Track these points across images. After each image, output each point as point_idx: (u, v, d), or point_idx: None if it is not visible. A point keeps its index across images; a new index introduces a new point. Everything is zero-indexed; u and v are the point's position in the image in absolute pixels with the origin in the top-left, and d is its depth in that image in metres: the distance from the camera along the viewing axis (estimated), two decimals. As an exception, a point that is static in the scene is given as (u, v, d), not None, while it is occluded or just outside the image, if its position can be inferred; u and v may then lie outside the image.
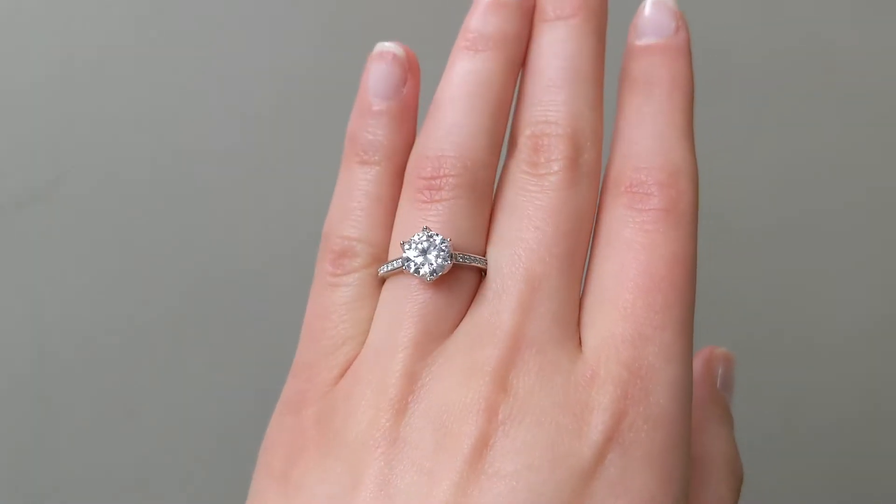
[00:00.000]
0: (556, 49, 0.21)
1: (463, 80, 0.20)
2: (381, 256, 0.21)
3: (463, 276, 0.19)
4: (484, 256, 0.20)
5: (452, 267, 0.19)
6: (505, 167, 0.21)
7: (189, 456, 0.44)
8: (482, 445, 0.17)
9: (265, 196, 0.43)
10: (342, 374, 0.20)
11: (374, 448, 0.18)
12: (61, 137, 0.42)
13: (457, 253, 0.19)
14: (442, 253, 0.19)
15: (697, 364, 0.23)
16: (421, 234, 0.19)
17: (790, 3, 0.45)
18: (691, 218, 0.19)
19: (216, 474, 0.44)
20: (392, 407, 0.18)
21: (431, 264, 0.19)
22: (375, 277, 0.20)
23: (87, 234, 0.42)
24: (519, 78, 0.22)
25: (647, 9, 0.22)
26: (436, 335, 0.19)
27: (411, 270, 0.19)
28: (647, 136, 0.20)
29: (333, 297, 0.20)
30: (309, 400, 0.20)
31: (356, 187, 0.21)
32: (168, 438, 0.43)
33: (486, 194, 0.20)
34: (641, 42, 0.21)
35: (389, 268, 0.20)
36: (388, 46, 0.22)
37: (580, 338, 0.19)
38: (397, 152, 0.21)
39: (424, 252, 0.19)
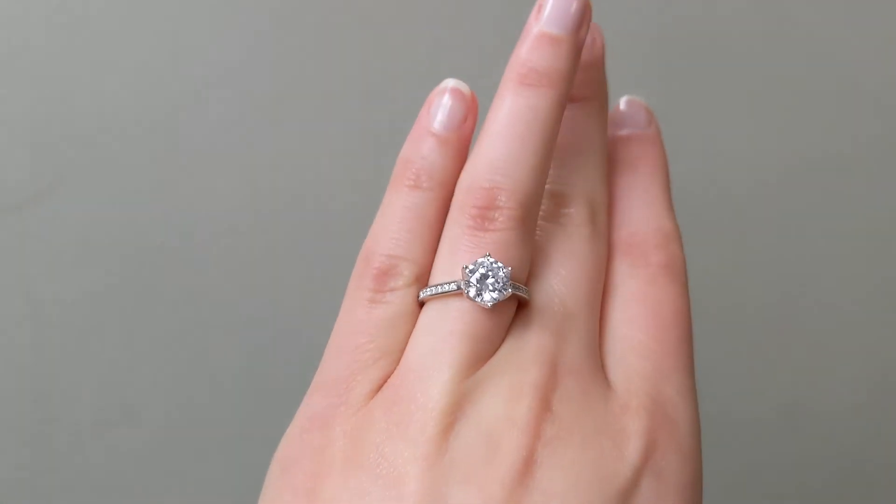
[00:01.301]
0: (574, 124, 0.24)
1: (516, 116, 0.21)
2: (423, 277, 0.21)
3: (509, 304, 0.20)
4: (527, 286, 0.21)
5: None
6: None
7: (189, 456, 0.44)
8: (530, 461, 0.18)
9: (266, 196, 0.43)
10: (377, 390, 0.20)
11: (420, 461, 0.18)
12: (61, 137, 0.42)
13: (511, 283, 0.20)
14: (502, 282, 0.20)
15: None
16: (484, 260, 0.20)
17: (791, 3, 0.45)
18: (684, 276, 0.22)
19: (216, 474, 0.44)
20: (440, 422, 0.19)
21: (492, 292, 0.20)
22: (416, 299, 0.21)
23: (87, 234, 0.42)
24: None
25: (623, 105, 0.25)
26: (480, 356, 0.20)
27: (471, 295, 0.20)
28: (638, 206, 0.23)
29: (373, 314, 0.21)
30: (339, 415, 0.20)
31: (404, 208, 0.22)
32: (168, 438, 0.43)
33: (533, 230, 0.21)
34: (623, 132, 0.25)
35: (441, 290, 0.20)
36: (454, 83, 0.23)
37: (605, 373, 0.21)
38: (448, 182, 0.22)
39: (484, 277, 0.20)
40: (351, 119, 0.44)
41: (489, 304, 0.20)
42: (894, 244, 0.47)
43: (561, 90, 0.22)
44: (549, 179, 0.22)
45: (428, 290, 0.20)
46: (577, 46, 0.22)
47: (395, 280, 0.21)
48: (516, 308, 0.21)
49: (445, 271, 0.21)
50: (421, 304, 0.21)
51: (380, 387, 0.20)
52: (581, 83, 0.24)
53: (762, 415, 0.48)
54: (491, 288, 0.20)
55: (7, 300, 0.42)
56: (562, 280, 0.21)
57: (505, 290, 0.20)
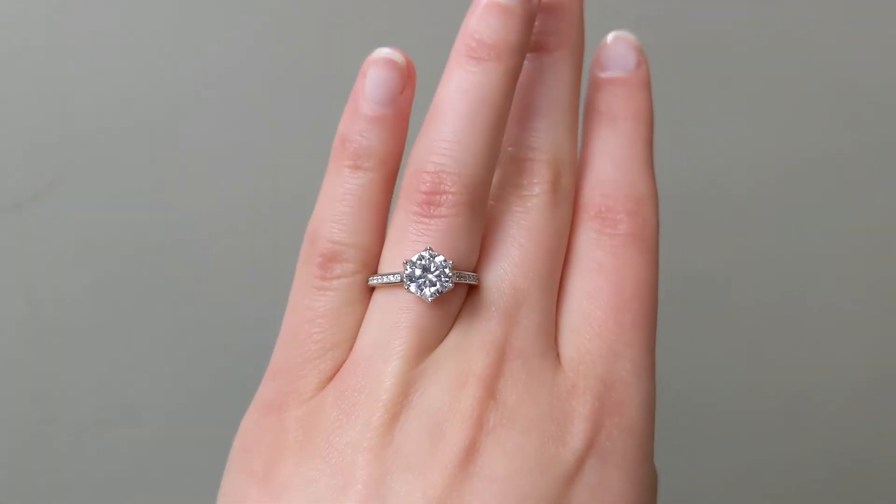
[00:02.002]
0: (538, 79, 0.22)
1: (464, 93, 0.21)
2: (370, 262, 0.21)
3: (456, 291, 0.20)
4: (475, 273, 0.20)
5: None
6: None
7: (189, 456, 0.44)
8: (473, 450, 0.18)
9: (266, 196, 0.43)
10: (328, 380, 0.20)
11: (367, 451, 0.19)
12: (61, 137, 0.42)
13: (455, 272, 0.20)
14: (444, 275, 0.19)
15: None
16: (423, 254, 0.20)
17: (792, 4, 0.45)
18: (654, 243, 0.21)
19: (216, 474, 0.44)
20: (386, 412, 0.19)
21: (434, 285, 0.19)
22: (364, 283, 0.21)
23: (87, 234, 0.42)
24: None
25: (610, 42, 0.23)
26: (428, 345, 0.20)
27: (412, 289, 0.20)
28: (612, 166, 0.22)
29: (321, 302, 0.21)
30: (292, 402, 0.20)
31: (346, 191, 0.21)
32: (168, 438, 0.43)
33: (482, 213, 0.21)
34: (605, 75, 0.23)
35: (387, 280, 0.20)
36: (387, 53, 0.22)
37: (558, 350, 0.20)
38: (389, 160, 0.21)
39: (425, 270, 0.19)
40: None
41: (429, 300, 0.20)
42: (894, 244, 0.47)
43: (511, 64, 0.21)
44: (509, 141, 0.21)
45: (375, 278, 0.20)
46: (529, 16, 0.21)
47: (340, 266, 0.21)
48: (467, 292, 0.20)
49: (392, 261, 0.20)
50: (371, 288, 0.21)
51: (331, 377, 0.20)
52: (548, 30, 0.22)
53: (762, 415, 0.48)
54: (432, 282, 0.19)
55: (7, 300, 0.42)
56: (514, 261, 0.20)
57: (447, 283, 0.19)
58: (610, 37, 0.23)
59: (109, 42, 0.41)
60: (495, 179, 0.21)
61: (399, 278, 0.20)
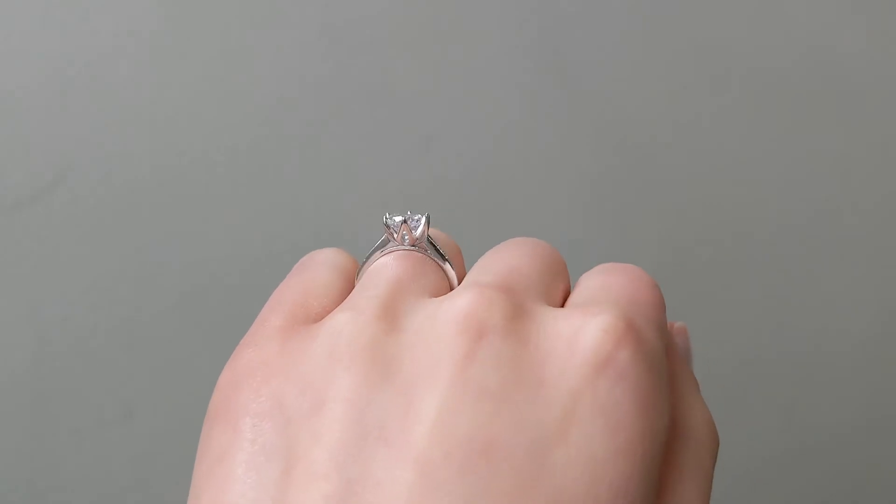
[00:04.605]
0: None
1: None
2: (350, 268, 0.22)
3: (433, 263, 0.20)
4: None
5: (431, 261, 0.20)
6: None
7: (189, 456, 0.44)
8: (469, 359, 0.17)
9: (265, 196, 0.43)
10: (300, 323, 0.19)
11: (343, 366, 0.17)
12: (61, 137, 0.42)
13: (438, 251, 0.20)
14: (421, 225, 0.20)
15: None
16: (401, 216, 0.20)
17: (792, 3, 0.45)
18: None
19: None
20: (368, 323, 0.18)
21: (413, 231, 0.20)
22: (345, 262, 0.21)
23: (87, 234, 0.42)
24: None
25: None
26: (413, 290, 0.19)
27: (395, 237, 0.20)
28: None
29: (300, 276, 0.21)
30: (257, 336, 0.19)
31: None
32: (168, 438, 0.43)
33: None
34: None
35: (373, 248, 0.20)
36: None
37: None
38: None
39: (403, 223, 0.20)
40: (353, 120, 0.43)
41: (406, 242, 0.20)
42: (894, 244, 0.47)
43: None
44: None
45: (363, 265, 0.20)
46: None
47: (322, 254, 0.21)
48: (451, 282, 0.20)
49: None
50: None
51: (303, 322, 0.19)
52: None
53: (762, 415, 0.47)
54: (410, 230, 0.20)
55: (7, 300, 0.42)
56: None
57: (423, 234, 0.20)
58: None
59: (110, 41, 0.42)
60: None
61: (381, 242, 0.20)
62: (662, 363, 0.18)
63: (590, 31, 0.44)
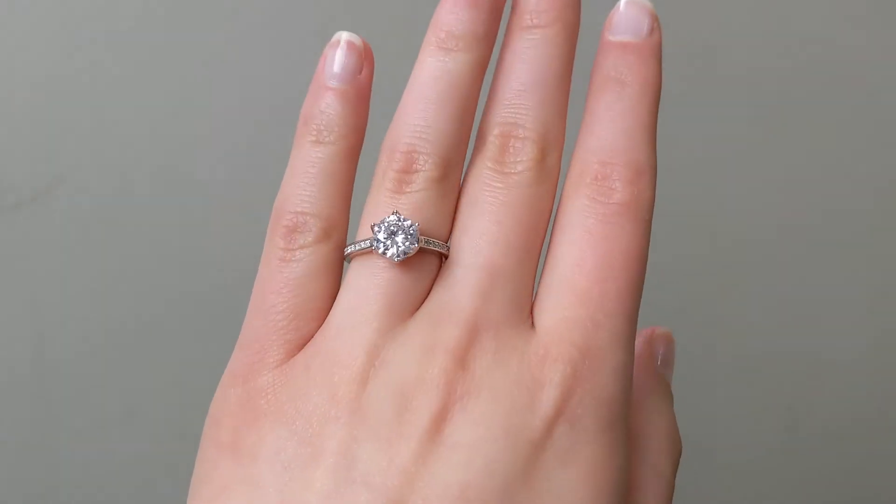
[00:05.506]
0: (530, 55, 0.22)
1: (434, 80, 0.22)
2: (333, 233, 0.21)
3: (427, 260, 0.20)
4: (447, 243, 0.21)
5: (418, 250, 0.20)
6: (472, 162, 0.22)
7: (189, 456, 0.44)
8: (441, 419, 0.18)
9: (265, 196, 0.43)
10: (297, 349, 0.20)
11: (335, 418, 0.19)
12: (61, 137, 0.42)
13: (423, 237, 0.20)
14: (410, 236, 0.20)
15: (639, 343, 0.24)
16: (391, 218, 0.20)
17: (793, 4, 0.45)
18: (648, 216, 0.21)
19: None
20: (354, 379, 0.19)
21: (399, 246, 0.20)
22: (329, 254, 0.21)
23: (87, 234, 0.42)
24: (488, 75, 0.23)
25: (623, 6, 0.23)
26: (399, 313, 0.20)
27: (380, 251, 0.20)
28: (614, 133, 0.21)
29: (285, 273, 0.21)
30: (258, 372, 0.20)
31: (309, 165, 0.22)
32: (168, 438, 0.43)
33: (453, 188, 0.21)
34: (615, 38, 0.22)
35: (357, 248, 0.20)
36: (345, 36, 0.23)
37: (533, 319, 0.20)
38: (351, 134, 0.22)
39: (393, 234, 0.20)
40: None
41: (397, 259, 0.20)
42: (894, 244, 0.47)
43: (478, 53, 0.22)
44: (496, 119, 0.22)
45: (349, 247, 0.21)
46: (495, 7, 0.22)
47: (303, 236, 0.21)
48: (441, 264, 0.21)
49: (365, 231, 0.21)
50: (336, 259, 0.21)
51: (299, 346, 0.20)
52: (541, 8, 0.22)
53: (762, 415, 0.47)
54: (399, 243, 0.20)
55: (7, 300, 0.42)
56: (490, 236, 0.20)
57: (413, 244, 0.20)
58: (622, 1, 0.23)
59: (110, 42, 0.42)
60: (479, 158, 0.22)
61: (369, 244, 0.20)
62: (619, 401, 0.19)
63: (590, 31, 0.44)
